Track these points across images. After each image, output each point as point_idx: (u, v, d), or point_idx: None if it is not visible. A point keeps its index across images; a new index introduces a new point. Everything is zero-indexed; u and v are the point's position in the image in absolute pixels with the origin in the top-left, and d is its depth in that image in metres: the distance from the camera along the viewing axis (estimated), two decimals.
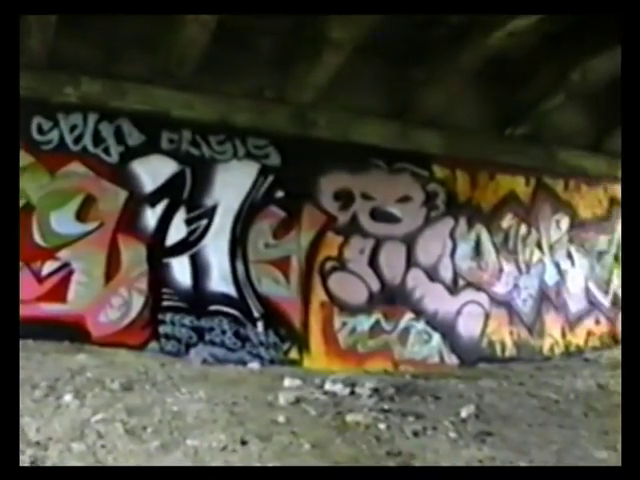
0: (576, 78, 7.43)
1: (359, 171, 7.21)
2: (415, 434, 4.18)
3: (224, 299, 6.51)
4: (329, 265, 7.07)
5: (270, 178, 6.75)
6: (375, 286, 7.25)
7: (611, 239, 8.83)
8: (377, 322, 7.19)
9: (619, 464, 3.72)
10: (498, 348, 7.87)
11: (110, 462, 3.23)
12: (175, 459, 3.37)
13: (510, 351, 7.93)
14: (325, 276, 7.02)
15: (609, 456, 4.06)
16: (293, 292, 6.83)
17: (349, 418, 4.34)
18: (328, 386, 5.21)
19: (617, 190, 8.82)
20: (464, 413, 4.73)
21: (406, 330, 7.33)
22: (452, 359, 7.54)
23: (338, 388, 5.16)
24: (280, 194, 6.79)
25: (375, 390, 5.20)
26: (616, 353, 8.10)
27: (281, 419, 4.16)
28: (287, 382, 5.29)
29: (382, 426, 4.25)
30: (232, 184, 6.62)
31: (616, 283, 8.77)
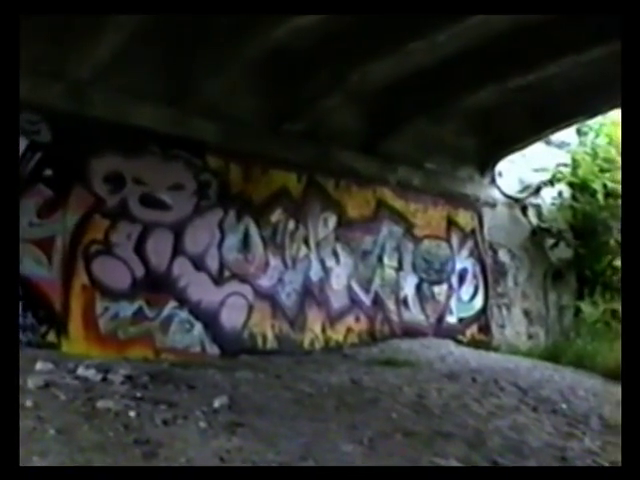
0: (355, 80, 8.79)
1: (133, 155, 8.14)
2: (165, 423, 4.81)
3: None
4: (94, 248, 7.86)
5: (39, 155, 7.45)
6: (140, 272, 8.14)
7: (376, 240, 10.45)
8: (140, 309, 8.09)
9: (364, 457, 4.77)
10: (259, 340, 9.01)
11: None
12: None
13: (271, 344, 9.11)
14: (89, 259, 7.80)
15: (354, 449, 4.92)
16: (55, 274, 7.53)
17: (99, 404, 4.93)
18: (81, 371, 5.82)
19: (386, 193, 10.66)
20: (217, 403, 5.45)
21: (169, 318, 8.30)
22: (214, 349, 8.57)
23: (91, 374, 5.77)
24: (48, 172, 7.53)
25: (129, 377, 5.85)
26: (374, 350, 9.62)
27: (29, 403, 4.64)
28: (39, 366, 5.82)
29: (132, 414, 4.85)
30: None
31: (377, 282, 10.43)
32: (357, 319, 10.20)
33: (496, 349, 11.31)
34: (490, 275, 11.96)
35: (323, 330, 9.76)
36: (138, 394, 5.43)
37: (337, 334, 9.91)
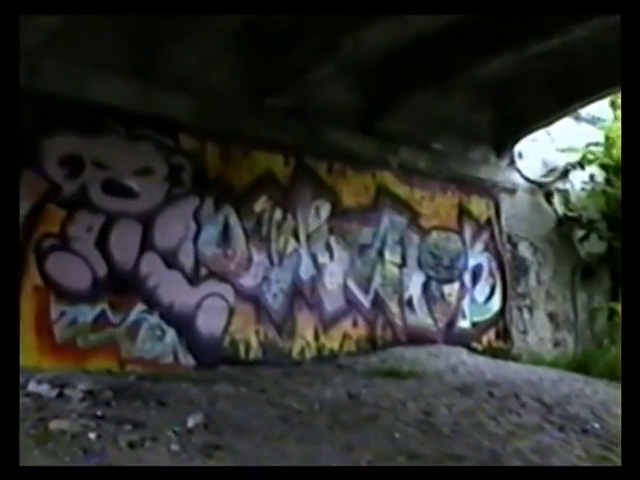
0: (348, 48, 8.65)
1: (92, 135, 8.10)
2: (131, 445, 4.82)
3: None
4: (48, 243, 7.80)
5: None
6: (102, 271, 8.09)
7: (376, 232, 10.46)
8: (102, 313, 8.03)
9: None
10: (242, 349, 9.04)
11: None
12: None
13: (255, 353, 9.15)
14: (42, 256, 7.74)
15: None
16: None
17: (53, 425, 4.95)
18: (32, 387, 5.85)
19: (386, 177, 10.63)
20: (191, 422, 5.49)
21: (136, 324, 8.26)
22: (188, 360, 8.58)
23: (44, 389, 5.82)
24: None
25: (89, 393, 5.94)
26: (374, 359, 9.62)
27: None
28: None
29: (92, 436, 4.88)
30: None
31: (378, 281, 10.43)
32: (354, 323, 10.23)
33: (516, 358, 11.33)
34: (509, 272, 11.97)
35: (315, 336, 9.78)
36: (99, 412, 5.43)
37: (331, 341, 9.94)
